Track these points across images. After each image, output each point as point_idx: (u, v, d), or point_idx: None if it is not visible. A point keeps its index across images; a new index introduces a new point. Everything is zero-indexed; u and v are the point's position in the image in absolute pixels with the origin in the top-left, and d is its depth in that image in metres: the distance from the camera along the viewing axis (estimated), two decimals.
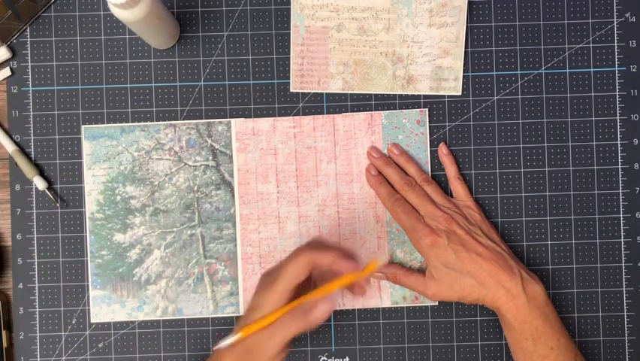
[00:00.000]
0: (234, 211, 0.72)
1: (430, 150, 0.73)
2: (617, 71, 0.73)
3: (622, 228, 0.73)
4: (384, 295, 0.72)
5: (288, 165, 0.72)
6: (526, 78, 0.73)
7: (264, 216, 0.72)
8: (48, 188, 0.72)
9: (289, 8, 0.73)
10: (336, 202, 0.72)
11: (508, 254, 0.68)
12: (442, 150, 0.72)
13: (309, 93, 0.73)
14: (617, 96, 0.73)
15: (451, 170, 0.72)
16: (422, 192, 0.70)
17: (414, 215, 0.68)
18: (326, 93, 0.73)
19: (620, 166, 0.73)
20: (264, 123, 0.72)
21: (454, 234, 0.67)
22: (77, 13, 0.73)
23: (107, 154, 0.72)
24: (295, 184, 0.72)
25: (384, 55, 0.72)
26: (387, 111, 0.73)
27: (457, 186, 0.71)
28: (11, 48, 0.73)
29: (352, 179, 0.72)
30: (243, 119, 0.72)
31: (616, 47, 0.73)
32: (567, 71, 0.73)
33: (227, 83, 0.73)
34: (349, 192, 0.72)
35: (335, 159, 0.72)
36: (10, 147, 0.72)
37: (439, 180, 0.73)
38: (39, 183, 0.71)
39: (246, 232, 0.72)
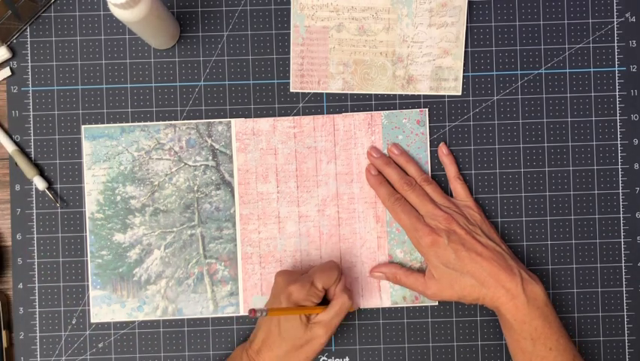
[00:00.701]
0: (234, 211, 0.72)
1: (430, 150, 0.73)
2: (617, 71, 0.73)
3: (622, 228, 0.73)
4: (384, 296, 0.72)
5: (288, 165, 0.72)
6: (526, 78, 0.73)
7: (264, 216, 0.72)
8: (48, 188, 0.72)
9: (289, 8, 0.73)
10: (336, 202, 0.72)
11: (508, 254, 0.68)
12: (442, 149, 0.72)
13: (309, 93, 0.73)
14: (617, 96, 0.73)
15: (451, 170, 0.72)
16: (422, 191, 0.70)
17: (414, 215, 0.68)
18: (326, 93, 0.73)
19: (620, 166, 0.73)
20: (264, 123, 0.72)
21: (454, 233, 0.67)
22: (77, 13, 0.73)
23: (107, 154, 0.72)
24: (295, 184, 0.72)
25: (384, 55, 0.72)
26: (387, 111, 0.73)
27: (457, 186, 0.72)
28: (11, 48, 0.73)
29: (352, 179, 0.72)
30: (243, 119, 0.72)
31: (616, 47, 0.73)
32: (567, 71, 0.73)
33: (227, 83, 0.73)
34: (349, 192, 0.72)
35: (335, 159, 0.72)
36: (10, 147, 0.72)
37: (439, 180, 0.73)
38: (39, 183, 0.71)
39: (246, 232, 0.72)
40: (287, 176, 0.72)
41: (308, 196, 0.72)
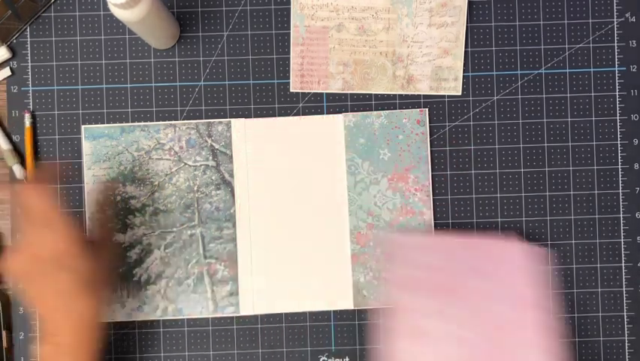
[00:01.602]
0: (234, 211, 0.72)
1: (430, 150, 0.73)
2: (617, 71, 0.73)
3: (622, 228, 0.73)
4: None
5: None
6: (526, 78, 0.73)
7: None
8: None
9: (289, 8, 0.73)
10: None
11: None
12: None
13: (309, 93, 0.73)
14: (617, 96, 0.73)
15: None
16: None
17: None
18: (326, 93, 0.73)
19: (620, 166, 0.73)
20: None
21: None
22: (77, 13, 0.73)
23: (107, 154, 0.72)
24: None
25: (384, 55, 0.72)
26: (387, 111, 0.73)
27: None
28: (11, 48, 0.73)
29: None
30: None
31: (616, 47, 0.73)
32: (567, 71, 0.73)
33: (227, 83, 0.73)
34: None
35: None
36: (5, 146, 0.72)
37: (439, 180, 0.73)
38: (18, 172, 0.71)
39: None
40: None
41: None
